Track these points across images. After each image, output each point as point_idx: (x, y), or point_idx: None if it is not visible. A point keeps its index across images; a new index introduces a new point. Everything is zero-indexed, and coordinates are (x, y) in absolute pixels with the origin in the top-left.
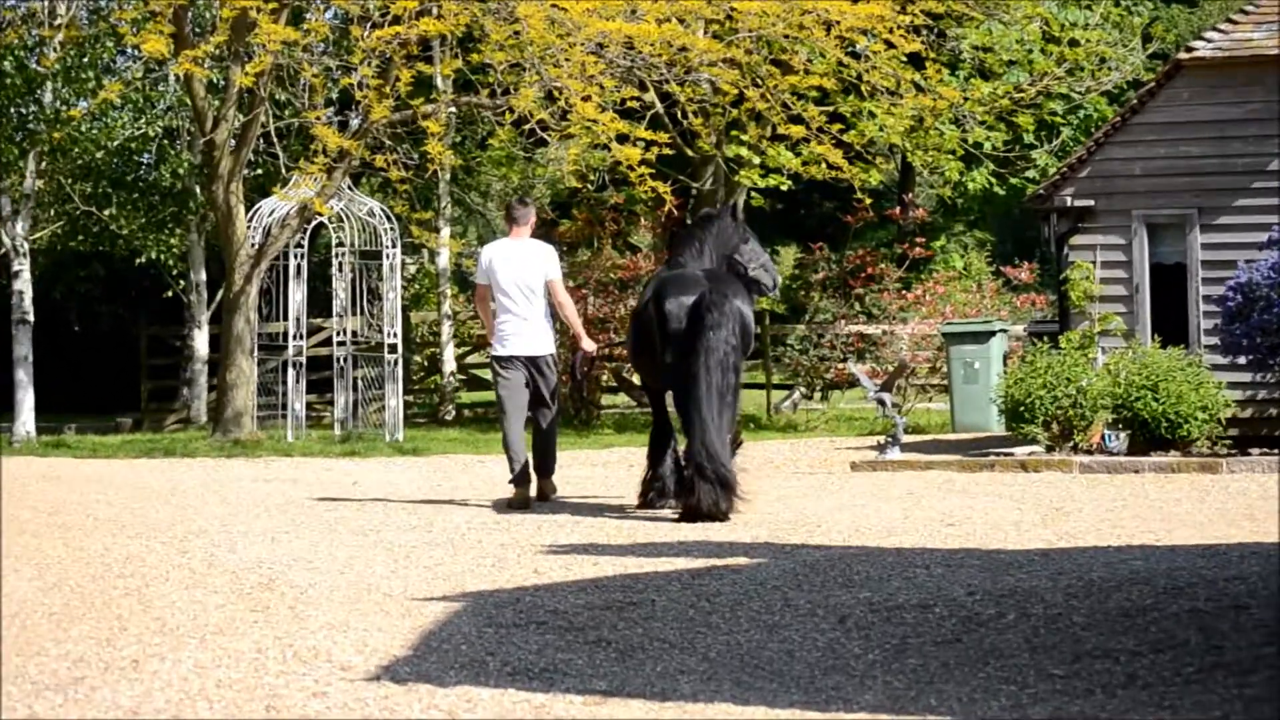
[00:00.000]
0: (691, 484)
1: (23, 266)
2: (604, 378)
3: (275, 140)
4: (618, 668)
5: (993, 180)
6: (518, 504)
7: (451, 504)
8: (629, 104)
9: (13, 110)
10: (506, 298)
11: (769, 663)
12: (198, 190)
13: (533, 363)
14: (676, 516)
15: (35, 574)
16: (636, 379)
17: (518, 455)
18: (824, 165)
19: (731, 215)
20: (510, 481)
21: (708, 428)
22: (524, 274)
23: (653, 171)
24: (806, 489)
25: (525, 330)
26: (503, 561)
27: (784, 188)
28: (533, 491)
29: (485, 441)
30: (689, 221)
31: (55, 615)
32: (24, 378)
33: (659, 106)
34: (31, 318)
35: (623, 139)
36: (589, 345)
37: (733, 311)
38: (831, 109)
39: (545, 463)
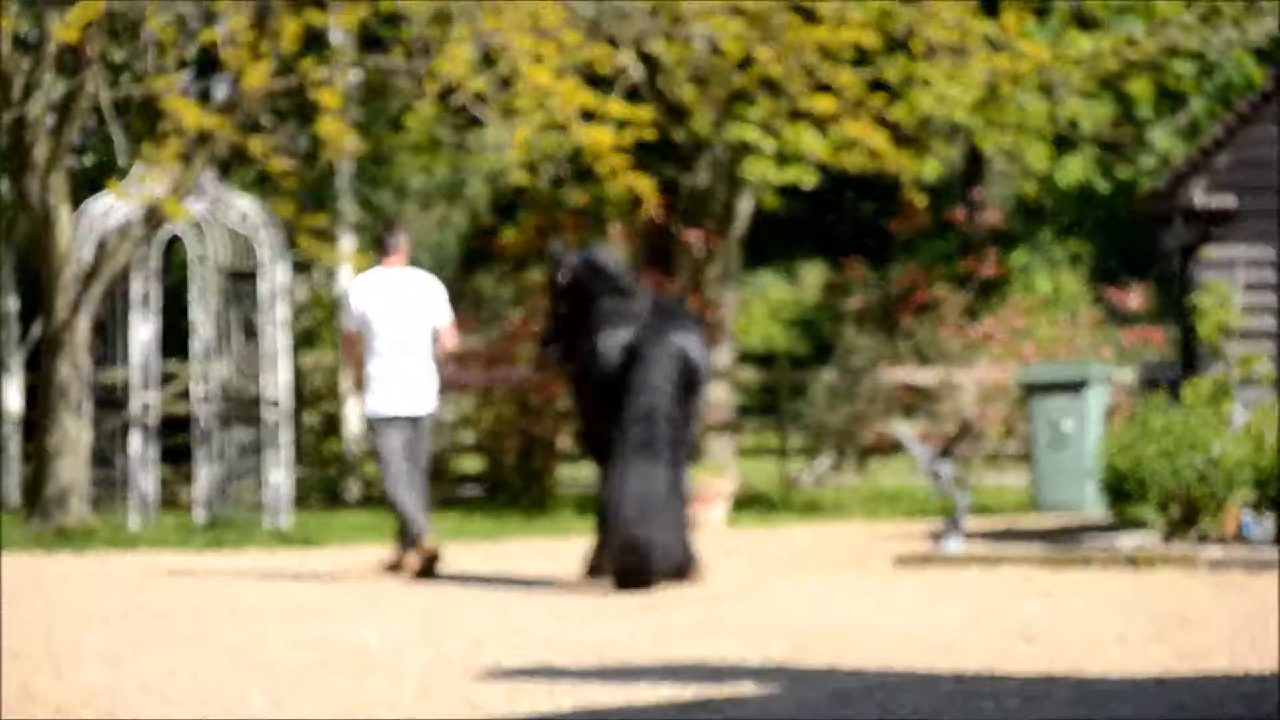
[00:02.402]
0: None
1: None
2: (558, 443)
3: (110, 117)
4: None
5: (1093, 171)
6: (428, 556)
7: (356, 612)
8: (597, 69)
9: None
10: (386, 344)
11: None
12: (3, 187)
13: (413, 423)
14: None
15: None
16: None
17: (415, 511)
18: (861, 152)
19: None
20: (410, 543)
21: (636, 480)
22: (408, 313)
23: (629, 162)
24: (836, 591)
25: (410, 384)
26: (426, 689)
27: (807, 184)
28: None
29: None
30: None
31: None
32: None
33: (637, 72)
34: None
35: (589, 117)
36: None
37: (671, 348)
38: (872, 75)
39: (420, 518)
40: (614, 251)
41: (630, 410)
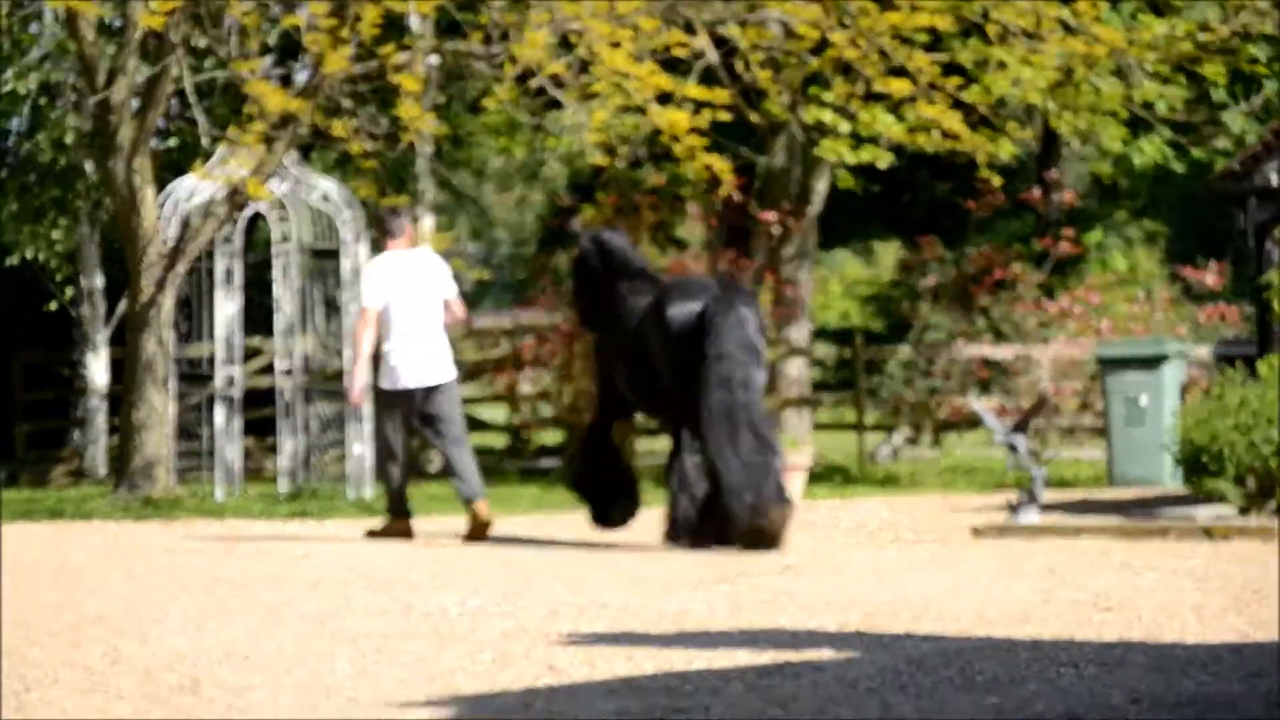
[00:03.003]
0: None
1: None
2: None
3: (194, 101)
4: None
5: (1168, 152)
6: (401, 532)
7: (435, 582)
8: (673, 53)
9: None
10: (401, 323)
11: None
12: (89, 167)
13: (435, 392)
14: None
15: None
16: None
17: (401, 488)
18: (937, 133)
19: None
20: (391, 513)
21: (739, 443)
22: (421, 292)
23: (706, 143)
24: (913, 562)
25: (424, 358)
26: (506, 656)
27: (882, 165)
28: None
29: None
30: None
31: None
32: None
33: (713, 56)
34: None
35: (665, 99)
36: None
37: (739, 319)
38: (947, 58)
39: (474, 482)
40: (622, 234)
41: (709, 378)
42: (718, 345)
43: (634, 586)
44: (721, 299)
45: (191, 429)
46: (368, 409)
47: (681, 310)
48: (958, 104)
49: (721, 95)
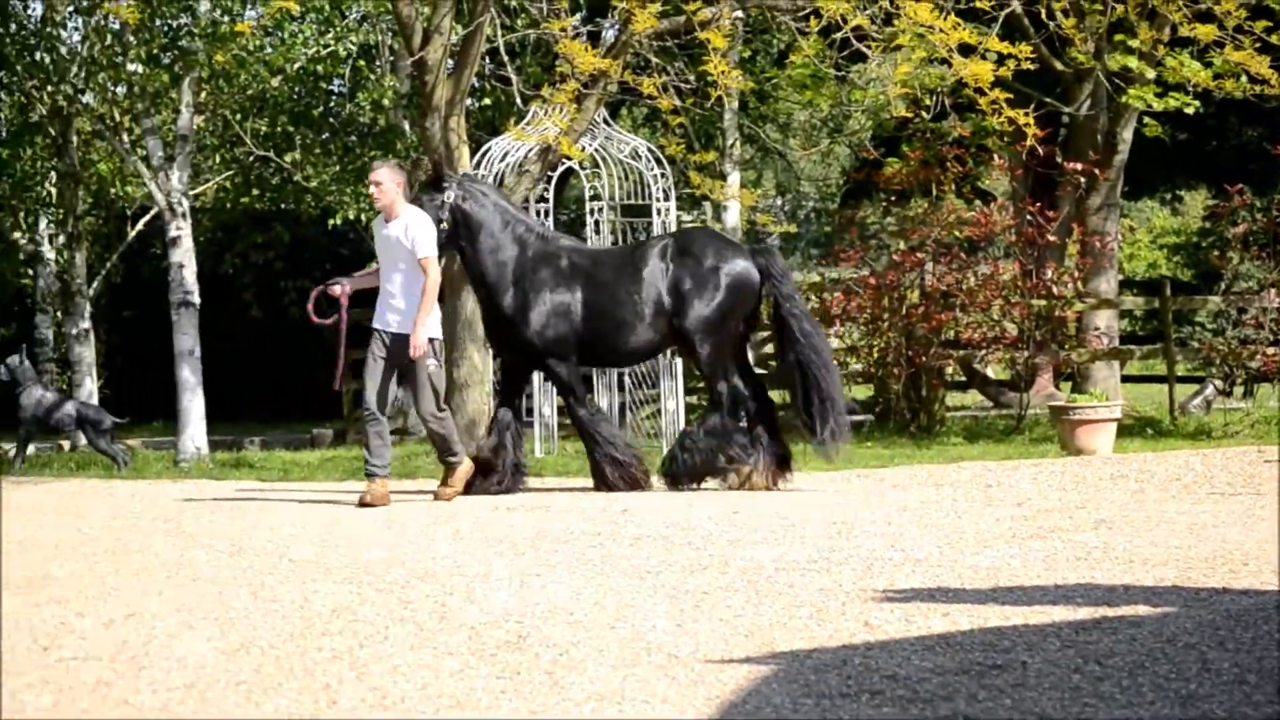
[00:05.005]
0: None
1: (181, 231)
2: (950, 370)
3: (506, 60)
4: None
5: None
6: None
7: (751, 538)
8: (977, 3)
9: (160, 24)
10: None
11: None
12: (406, 127)
13: None
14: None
15: (216, 632)
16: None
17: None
18: (1244, 78)
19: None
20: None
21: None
22: None
23: (1010, 95)
24: (1227, 515)
25: None
26: (822, 612)
27: (1189, 111)
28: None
29: (799, 455)
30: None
31: (243, 685)
32: (190, 377)
33: (1016, 4)
34: (196, 299)
35: (968, 51)
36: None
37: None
38: (1254, 0)
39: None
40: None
41: (792, 330)
42: (794, 303)
43: (948, 541)
44: (771, 257)
45: None
46: (679, 366)
47: (747, 267)
48: (1266, 47)
49: (1025, 48)
